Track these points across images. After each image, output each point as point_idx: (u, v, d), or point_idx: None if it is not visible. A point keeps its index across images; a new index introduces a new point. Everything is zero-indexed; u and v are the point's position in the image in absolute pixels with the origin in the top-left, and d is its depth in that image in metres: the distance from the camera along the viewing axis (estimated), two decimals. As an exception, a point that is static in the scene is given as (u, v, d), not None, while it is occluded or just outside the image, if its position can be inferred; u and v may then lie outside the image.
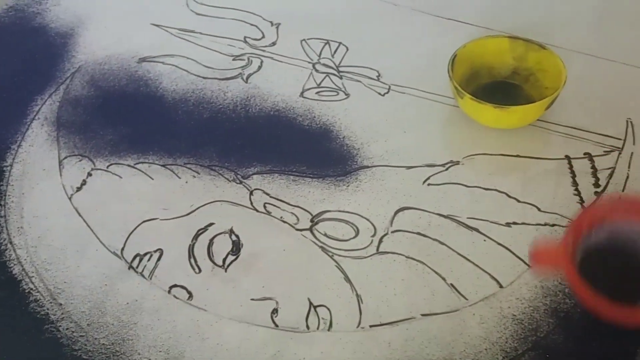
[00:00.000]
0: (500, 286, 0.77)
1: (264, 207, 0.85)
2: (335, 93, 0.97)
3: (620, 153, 0.86)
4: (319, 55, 1.02)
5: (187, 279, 0.80)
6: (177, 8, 1.12)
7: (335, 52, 1.02)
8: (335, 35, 1.05)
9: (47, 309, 0.79)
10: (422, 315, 0.75)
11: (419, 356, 0.72)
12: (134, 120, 0.97)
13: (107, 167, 0.91)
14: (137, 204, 0.87)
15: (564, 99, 0.86)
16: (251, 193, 0.87)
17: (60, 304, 0.79)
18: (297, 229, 0.83)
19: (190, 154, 0.92)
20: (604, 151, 0.87)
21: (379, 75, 0.99)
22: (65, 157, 0.93)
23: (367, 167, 0.88)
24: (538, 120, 0.89)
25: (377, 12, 1.08)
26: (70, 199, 0.88)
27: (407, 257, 0.79)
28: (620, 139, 0.88)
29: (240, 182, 0.88)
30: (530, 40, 0.90)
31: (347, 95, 0.97)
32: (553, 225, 0.80)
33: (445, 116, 0.93)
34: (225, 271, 0.80)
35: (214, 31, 1.08)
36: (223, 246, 0.82)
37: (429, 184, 0.86)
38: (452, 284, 0.77)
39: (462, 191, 0.85)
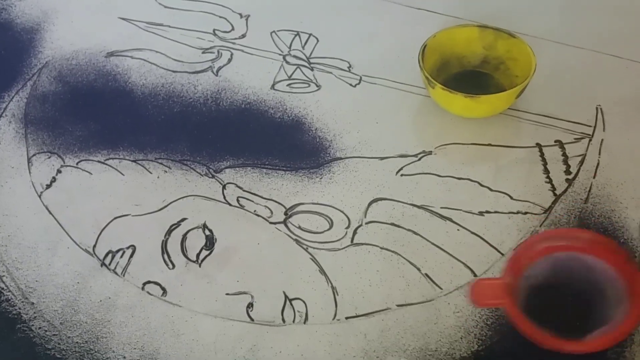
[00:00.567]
0: (475, 275, 0.77)
1: (237, 201, 0.85)
2: (306, 85, 0.97)
3: (590, 140, 0.87)
4: (290, 47, 1.02)
5: (160, 275, 0.79)
6: (144, 1, 1.11)
7: (305, 43, 1.02)
8: (305, 27, 1.04)
9: (19, 308, 0.78)
10: (398, 305, 0.75)
11: (395, 346, 0.72)
12: (103, 115, 0.96)
13: (77, 163, 0.90)
14: (108, 200, 0.86)
15: (534, 87, 0.87)
16: (224, 187, 0.86)
17: (32, 303, 0.78)
18: (271, 222, 0.83)
19: (161, 148, 0.91)
20: (575, 138, 0.87)
21: (350, 66, 0.99)
22: (34, 154, 0.91)
23: (340, 158, 0.88)
24: (509, 108, 0.90)
25: (347, 3, 1.07)
26: (40, 196, 0.87)
27: (381, 248, 0.80)
28: (590, 126, 0.88)
29: (213, 177, 0.87)
30: (500, 29, 0.90)
31: (319, 86, 0.96)
32: (525, 213, 0.81)
33: (417, 106, 0.93)
34: (200, 266, 0.80)
35: (183, 24, 1.07)
36: (196, 241, 0.82)
37: (402, 175, 0.86)
38: (426, 274, 0.77)
39: (435, 181, 0.85)
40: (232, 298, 0.77)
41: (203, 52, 1.02)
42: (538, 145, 0.87)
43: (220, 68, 1.00)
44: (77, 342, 0.75)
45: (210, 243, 0.81)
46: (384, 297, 0.76)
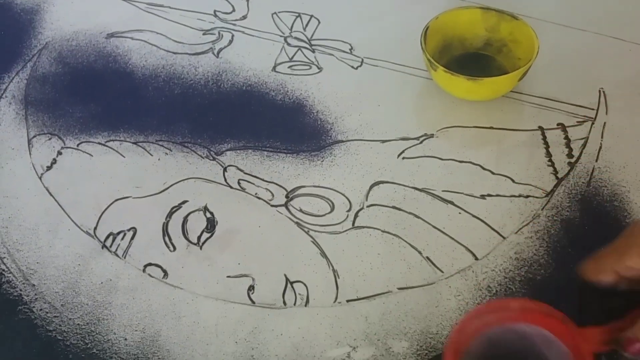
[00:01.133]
0: (476, 258, 0.77)
1: (238, 183, 0.85)
2: (307, 67, 0.96)
3: (593, 123, 0.87)
4: (291, 29, 1.01)
5: (161, 257, 0.79)
6: (145, -18, 1.10)
7: (307, 25, 1.01)
8: (306, 8, 1.04)
9: (20, 290, 0.78)
10: (399, 289, 0.75)
11: (396, 329, 0.72)
12: (103, 97, 0.95)
13: (78, 145, 0.90)
14: (109, 182, 0.86)
15: (536, 69, 0.86)
16: (225, 169, 0.86)
17: (33, 285, 0.78)
18: (272, 205, 0.83)
19: (162, 130, 0.91)
20: (577, 121, 0.87)
21: (352, 48, 0.98)
22: (35, 136, 0.91)
23: (342, 141, 0.88)
24: (511, 91, 0.89)
25: (349, -16, 1.07)
26: (40, 178, 0.87)
27: (382, 231, 0.79)
28: (593, 109, 0.88)
29: (214, 159, 0.87)
30: (503, 10, 0.90)
31: (320, 69, 0.96)
32: (527, 196, 0.81)
33: (419, 89, 0.93)
34: (201, 249, 0.80)
35: (184, 5, 1.06)
36: (198, 224, 0.82)
37: (403, 158, 0.86)
38: (427, 257, 0.77)
39: (437, 164, 0.85)
40: (233, 281, 0.77)
41: (204, 34, 1.02)
42: (540, 128, 0.87)
43: (221, 50, 0.99)
44: (78, 324, 0.75)
45: (211, 225, 0.81)
46: (385, 280, 0.76)
